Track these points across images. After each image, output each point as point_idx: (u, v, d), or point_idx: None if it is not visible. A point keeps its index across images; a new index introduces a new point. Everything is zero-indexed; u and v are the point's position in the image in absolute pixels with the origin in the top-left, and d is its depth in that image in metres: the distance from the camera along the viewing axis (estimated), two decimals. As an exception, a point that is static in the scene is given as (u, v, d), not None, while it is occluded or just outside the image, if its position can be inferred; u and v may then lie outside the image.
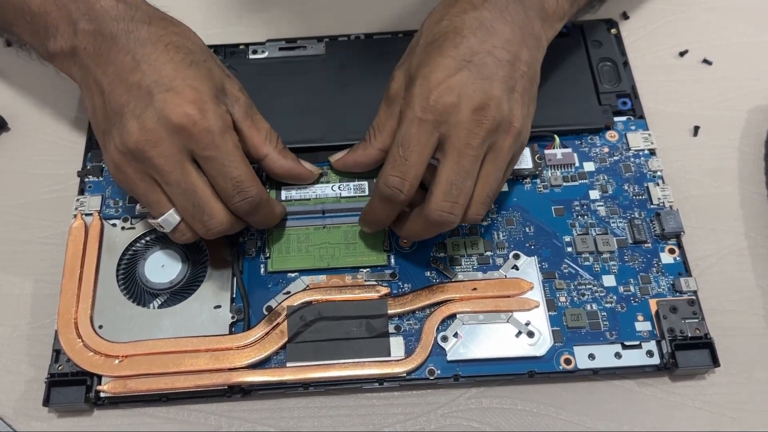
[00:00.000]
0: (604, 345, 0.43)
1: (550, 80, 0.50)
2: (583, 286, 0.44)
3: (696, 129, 0.51)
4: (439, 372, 0.42)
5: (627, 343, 0.42)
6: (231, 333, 0.43)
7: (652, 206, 0.47)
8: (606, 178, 0.48)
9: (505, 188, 0.48)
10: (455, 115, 0.39)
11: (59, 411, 0.42)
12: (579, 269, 0.45)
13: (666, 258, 0.45)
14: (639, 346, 0.42)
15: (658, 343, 0.43)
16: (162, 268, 0.45)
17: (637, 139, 0.49)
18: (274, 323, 0.43)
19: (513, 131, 0.40)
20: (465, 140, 0.39)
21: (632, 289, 0.44)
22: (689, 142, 0.51)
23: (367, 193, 0.47)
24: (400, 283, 0.45)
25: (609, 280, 0.44)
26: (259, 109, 0.50)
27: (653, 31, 0.56)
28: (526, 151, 0.48)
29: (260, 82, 0.51)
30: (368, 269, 0.45)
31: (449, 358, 0.42)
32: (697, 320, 0.43)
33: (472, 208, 0.40)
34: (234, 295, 0.44)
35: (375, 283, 0.44)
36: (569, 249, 0.45)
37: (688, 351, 0.42)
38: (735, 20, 0.56)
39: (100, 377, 0.42)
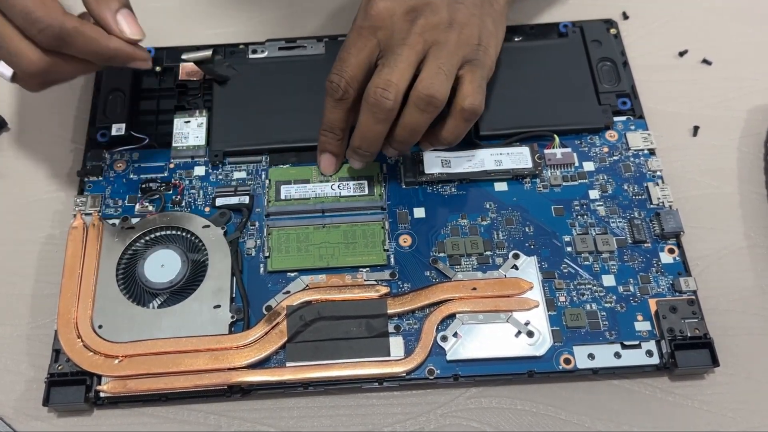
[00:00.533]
0: (603, 345, 0.43)
1: (550, 80, 0.50)
2: (583, 286, 0.44)
3: (696, 129, 0.51)
4: (438, 372, 0.42)
5: (627, 343, 0.42)
6: (231, 333, 0.43)
7: (651, 206, 0.47)
8: (606, 177, 0.48)
9: (505, 188, 0.48)
10: (389, 19, 0.42)
11: (59, 411, 0.42)
12: (579, 269, 0.45)
13: (665, 258, 0.45)
14: (638, 346, 0.42)
15: (658, 343, 0.43)
16: (162, 268, 0.45)
17: (636, 139, 0.49)
18: (274, 323, 0.43)
19: (455, 30, 0.42)
20: (398, 38, 0.42)
21: (632, 288, 0.44)
22: (689, 142, 0.51)
23: (367, 192, 0.47)
24: (399, 283, 0.45)
25: (609, 280, 0.44)
26: (259, 109, 0.50)
27: (653, 31, 0.56)
28: (526, 151, 0.48)
29: (260, 82, 0.51)
30: (368, 269, 0.45)
31: (449, 357, 0.42)
32: (696, 320, 0.43)
33: (411, 96, 0.42)
34: (234, 295, 0.44)
35: (375, 282, 0.44)
36: (569, 249, 0.46)
37: (688, 351, 0.42)
38: (735, 20, 0.56)
39: (99, 377, 0.42)
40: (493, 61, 0.45)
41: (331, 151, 0.47)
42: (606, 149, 0.49)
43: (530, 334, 0.43)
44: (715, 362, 0.42)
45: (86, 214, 0.47)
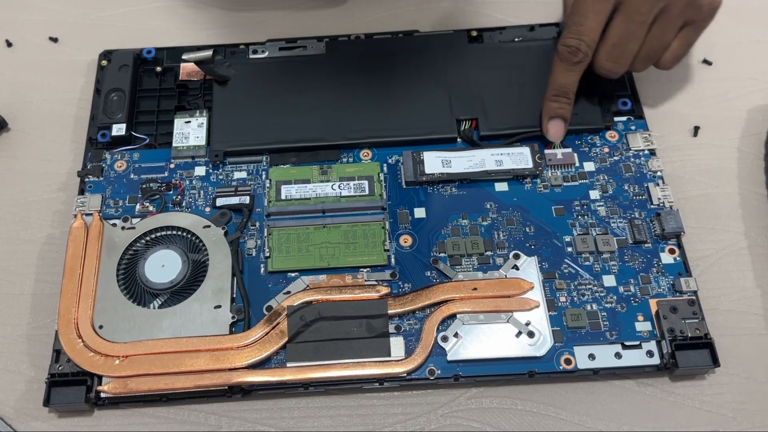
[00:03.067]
0: (604, 345, 0.43)
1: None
2: (583, 286, 0.44)
3: (696, 129, 0.51)
4: (439, 372, 0.42)
5: (627, 343, 0.43)
6: (231, 333, 0.43)
7: (652, 206, 0.47)
8: (606, 178, 0.48)
9: (506, 188, 0.48)
10: None
11: (59, 411, 0.42)
12: (579, 269, 0.45)
13: (666, 258, 0.45)
14: (639, 346, 0.43)
15: (658, 343, 0.43)
16: (162, 268, 0.45)
17: (637, 139, 0.49)
18: (274, 323, 0.43)
19: None
20: (635, 5, 0.43)
21: (632, 289, 0.44)
22: (689, 142, 0.51)
23: (367, 192, 0.47)
24: (400, 283, 0.45)
25: (609, 280, 0.44)
26: (259, 109, 0.50)
27: (653, 31, 0.56)
28: (527, 151, 0.48)
29: (260, 82, 0.51)
30: (368, 269, 0.45)
31: (449, 358, 0.42)
32: (697, 320, 0.43)
33: (635, 64, 0.46)
34: (234, 295, 0.44)
35: (375, 283, 0.44)
36: (569, 249, 0.46)
37: (688, 351, 0.42)
38: (735, 20, 0.56)
39: (100, 377, 0.42)
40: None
41: (563, 116, 0.47)
42: (606, 149, 0.49)
43: (531, 334, 0.43)
44: (715, 362, 0.42)
45: (86, 214, 0.47)
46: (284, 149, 0.49)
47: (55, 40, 0.56)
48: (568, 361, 0.42)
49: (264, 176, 0.48)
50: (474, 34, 0.53)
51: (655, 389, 0.43)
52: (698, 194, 0.49)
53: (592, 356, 0.42)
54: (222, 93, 0.51)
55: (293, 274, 0.45)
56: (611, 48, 0.45)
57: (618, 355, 0.42)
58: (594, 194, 0.47)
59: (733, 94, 0.53)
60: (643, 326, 0.43)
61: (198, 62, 0.50)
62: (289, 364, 0.42)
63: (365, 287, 0.44)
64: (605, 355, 0.42)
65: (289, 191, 0.47)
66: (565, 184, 0.48)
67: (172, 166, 0.49)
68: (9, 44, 0.56)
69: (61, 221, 0.48)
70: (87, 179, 0.48)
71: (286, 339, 0.42)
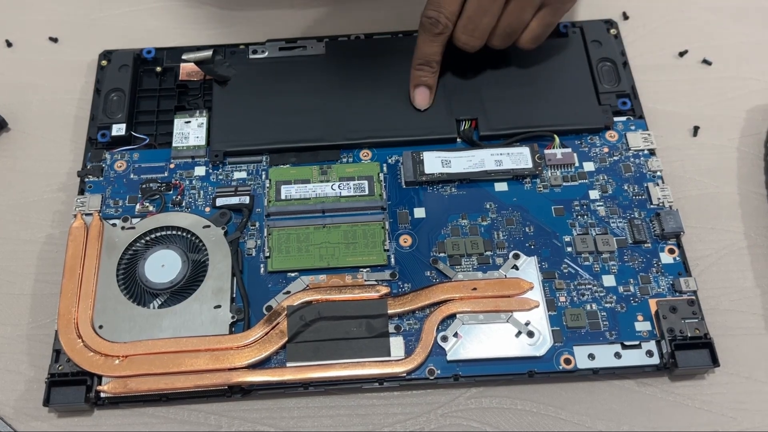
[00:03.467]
0: (603, 345, 0.43)
1: (550, 80, 0.50)
2: (583, 286, 0.44)
3: (696, 129, 0.51)
4: (439, 372, 0.42)
5: (627, 343, 0.43)
6: (231, 333, 0.43)
7: (651, 206, 0.47)
8: (606, 178, 0.48)
9: (505, 188, 0.48)
10: None
11: (59, 411, 0.42)
12: (579, 269, 0.45)
13: (666, 258, 0.45)
14: (639, 346, 0.43)
15: (658, 343, 0.43)
16: (162, 268, 0.45)
17: (636, 139, 0.49)
18: (274, 323, 0.43)
19: None
20: None
21: (632, 289, 0.44)
22: (689, 142, 0.51)
23: (367, 192, 0.47)
24: (400, 283, 0.45)
25: (609, 280, 0.44)
26: (259, 109, 0.50)
27: (653, 31, 0.56)
28: (526, 151, 0.48)
29: (260, 82, 0.51)
30: (368, 269, 0.45)
31: (449, 357, 0.42)
32: (696, 320, 0.43)
33: (492, 40, 0.47)
34: (234, 295, 0.44)
35: (375, 282, 0.44)
36: (569, 249, 0.46)
37: (688, 351, 0.42)
38: (735, 20, 0.56)
39: (100, 377, 0.42)
40: None
41: (428, 83, 0.49)
42: (606, 149, 0.49)
43: (530, 334, 0.43)
44: (715, 362, 0.42)
45: (86, 214, 0.47)
46: (284, 149, 0.49)
47: (55, 40, 0.56)
48: (567, 361, 0.42)
49: (264, 176, 0.48)
50: (474, 34, 0.53)
51: (655, 389, 0.43)
52: (698, 194, 0.49)
53: (591, 356, 0.42)
54: (222, 93, 0.51)
55: (293, 274, 0.45)
56: (467, 21, 0.46)
57: (618, 355, 0.42)
58: (594, 194, 0.47)
59: (733, 94, 0.53)
60: (642, 326, 0.43)
61: (198, 62, 0.50)
62: (289, 364, 0.42)
63: (365, 287, 0.44)
64: (605, 355, 0.42)
65: (289, 191, 0.47)
66: (564, 184, 0.48)
67: (172, 166, 0.49)
68: (9, 44, 0.56)
69: (61, 221, 0.49)
70: (87, 179, 0.48)
71: (286, 339, 0.42)
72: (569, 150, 0.49)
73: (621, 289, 0.44)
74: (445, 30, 0.46)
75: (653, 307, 0.43)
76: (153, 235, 0.46)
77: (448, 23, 0.46)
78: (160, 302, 0.44)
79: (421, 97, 0.49)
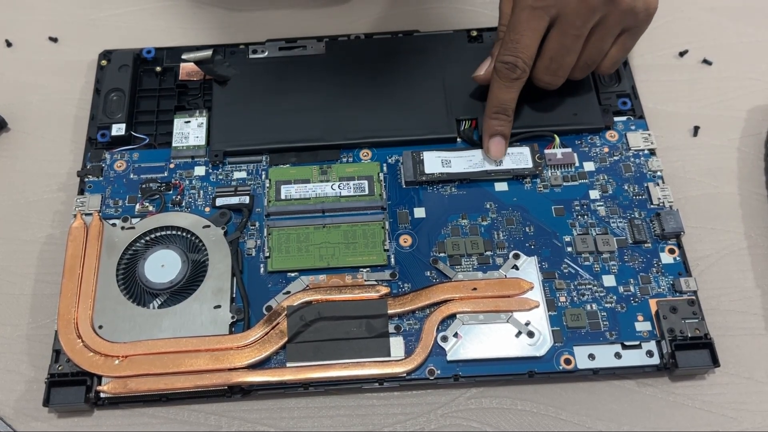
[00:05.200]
0: (604, 345, 0.43)
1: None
2: (583, 286, 0.44)
3: (696, 129, 0.51)
4: (439, 372, 0.42)
5: (627, 343, 0.42)
6: (231, 333, 0.43)
7: (652, 206, 0.47)
8: (606, 178, 0.48)
9: (505, 188, 0.48)
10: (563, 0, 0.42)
11: (59, 411, 0.42)
12: (579, 269, 0.45)
13: (666, 258, 0.45)
14: (639, 346, 0.42)
15: (658, 343, 0.43)
16: (162, 268, 0.45)
17: (637, 139, 0.49)
18: (274, 323, 0.43)
19: (622, 5, 0.43)
20: (570, 20, 0.43)
21: (632, 289, 0.44)
22: (689, 142, 0.51)
23: (367, 192, 0.47)
24: (400, 283, 0.45)
25: (609, 280, 0.44)
26: (259, 109, 0.50)
27: (653, 31, 0.56)
28: (527, 151, 0.48)
29: (260, 82, 0.51)
30: (368, 269, 0.45)
31: (449, 358, 0.42)
32: (697, 320, 0.43)
33: (574, 73, 0.47)
34: (234, 295, 0.44)
35: (375, 283, 0.44)
36: (569, 249, 0.45)
37: (688, 351, 0.42)
38: (735, 20, 0.56)
39: (100, 377, 0.42)
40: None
41: (504, 133, 0.47)
42: (606, 149, 0.49)
43: (530, 334, 0.43)
44: (715, 362, 0.42)
45: (86, 214, 0.47)
46: (284, 149, 0.49)
47: (55, 40, 0.56)
48: (567, 361, 0.42)
49: (264, 176, 0.48)
50: (474, 34, 0.53)
51: (655, 389, 0.43)
52: (698, 194, 0.49)
53: (591, 356, 0.42)
54: (222, 93, 0.51)
55: (293, 274, 0.45)
56: (549, 62, 0.45)
57: (618, 355, 0.42)
58: (594, 194, 0.47)
59: (733, 94, 0.53)
60: (642, 326, 0.43)
61: (198, 62, 0.50)
62: (288, 364, 0.42)
63: (365, 287, 0.44)
64: (605, 355, 0.42)
65: (288, 191, 0.47)
66: (564, 184, 0.48)
67: (171, 166, 0.49)
68: (9, 44, 0.56)
69: (61, 221, 0.49)
70: (87, 179, 0.48)
71: (286, 339, 0.42)
72: (569, 150, 0.49)
73: (621, 289, 0.44)
74: (522, 75, 0.45)
75: (653, 308, 0.43)
76: (153, 235, 0.46)
77: (525, 68, 0.44)
78: (160, 302, 0.44)
79: (497, 149, 0.47)
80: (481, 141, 0.49)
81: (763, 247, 0.47)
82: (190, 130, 0.50)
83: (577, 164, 0.48)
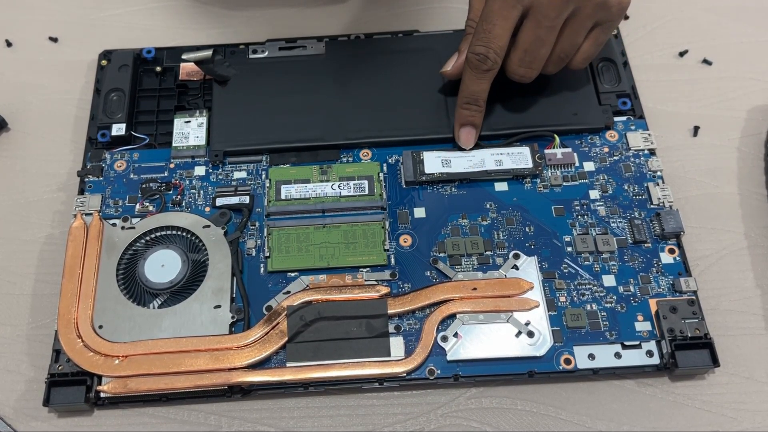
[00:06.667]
0: (604, 345, 0.43)
1: (550, 80, 0.50)
2: (583, 286, 0.44)
3: (696, 129, 0.51)
4: (439, 372, 0.42)
5: (627, 343, 0.42)
6: (231, 333, 0.43)
7: (652, 206, 0.47)
8: (606, 178, 0.48)
9: (505, 188, 0.48)
10: None
11: (59, 411, 0.42)
12: (579, 269, 0.45)
13: (666, 258, 0.45)
14: (639, 346, 0.42)
15: (658, 343, 0.43)
16: (162, 268, 0.45)
17: (637, 139, 0.49)
18: (274, 323, 0.43)
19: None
20: (544, 11, 0.43)
21: (632, 289, 0.44)
22: (689, 142, 0.51)
23: (367, 192, 0.47)
24: (400, 283, 0.45)
25: (609, 280, 0.44)
26: (259, 109, 0.50)
27: (653, 31, 0.56)
28: (526, 151, 0.48)
29: (260, 82, 0.51)
30: (368, 269, 0.45)
31: (449, 358, 0.42)
32: (696, 320, 0.43)
33: (548, 67, 0.46)
34: (234, 295, 0.44)
35: (375, 282, 0.44)
36: (569, 249, 0.46)
37: (688, 351, 0.42)
38: (735, 20, 0.56)
39: (100, 377, 0.42)
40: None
41: (474, 122, 0.47)
42: (606, 149, 0.49)
43: (530, 334, 0.43)
44: (715, 362, 0.42)
45: (86, 214, 0.47)
46: (284, 149, 0.49)
47: (55, 40, 0.56)
48: (567, 361, 0.42)
49: (264, 176, 0.48)
50: (474, 34, 0.53)
51: (655, 389, 0.43)
52: (698, 194, 0.49)
53: (591, 356, 0.42)
54: (222, 93, 0.51)
55: (293, 274, 0.45)
56: (523, 54, 0.45)
57: (618, 355, 0.42)
58: (594, 194, 0.47)
59: (733, 94, 0.53)
60: (642, 326, 0.43)
61: (198, 62, 0.50)
62: (288, 364, 0.42)
63: (365, 287, 0.44)
64: (605, 355, 0.42)
65: (288, 191, 0.47)
66: (564, 183, 0.48)
67: (171, 165, 0.49)
68: (9, 44, 0.56)
69: (61, 221, 0.49)
70: (87, 179, 0.48)
71: (286, 339, 0.42)
72: (569, 150, 0.49)
73: (621, 289, 0.44)
74: (494, 66, 0.44)
75: (653, 307, 0.43)
76: (153, 235, 0.46)
77: (497, 59, 0.44)
78: (160, 302, 0.44)
79: (467, 137, 0.48)
80: (481, 141, 0.49)
81: (763, 247, 0.47)
82: (190, 130, 0.50)
83: (577, 164, 0.48)
